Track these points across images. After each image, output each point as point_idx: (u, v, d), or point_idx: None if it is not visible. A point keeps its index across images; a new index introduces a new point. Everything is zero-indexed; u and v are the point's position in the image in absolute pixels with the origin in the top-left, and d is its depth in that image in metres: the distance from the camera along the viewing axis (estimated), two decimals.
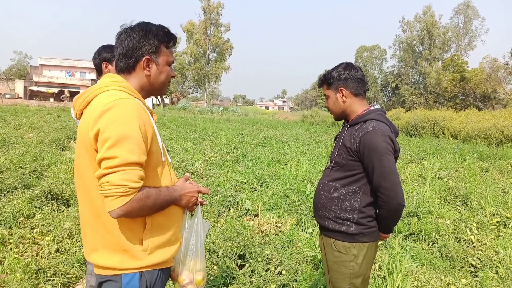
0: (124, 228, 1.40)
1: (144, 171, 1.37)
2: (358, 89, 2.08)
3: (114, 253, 1.41)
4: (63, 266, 3.37)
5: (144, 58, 1.49)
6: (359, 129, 2.00)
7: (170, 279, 1.65)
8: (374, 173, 1.92)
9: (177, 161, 8.13)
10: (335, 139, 2.29)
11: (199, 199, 1.64)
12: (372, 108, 2.10)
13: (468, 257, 4.00)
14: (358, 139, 1.96)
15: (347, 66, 2.10)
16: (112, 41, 2.89)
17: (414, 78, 58.28)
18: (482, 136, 15.29)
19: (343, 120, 2.24)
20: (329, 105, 2.16)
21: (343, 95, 2.08)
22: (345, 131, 2.12)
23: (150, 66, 1.51)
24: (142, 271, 1.43)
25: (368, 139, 1.92)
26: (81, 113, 1.49)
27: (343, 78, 2.06)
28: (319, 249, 3.86)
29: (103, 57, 2.72)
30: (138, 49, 1.48)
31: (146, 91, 1.55)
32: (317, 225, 4.66)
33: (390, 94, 63.57)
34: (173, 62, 1.59)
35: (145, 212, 1.37)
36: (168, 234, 1.50)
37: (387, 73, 63.74)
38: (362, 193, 2.02)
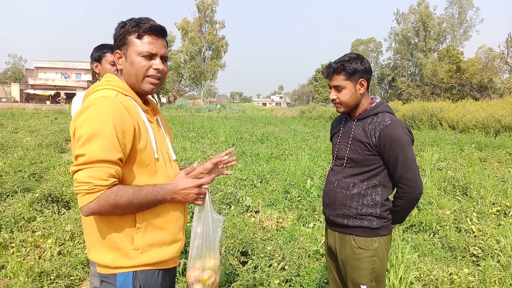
0: (114, 225, 1.40)
1: (124, 169, 1.37)
2: (370, 81, 2.06)
3: (107, 250, 1.41)
4: (66, 268, 3.37)
5: (115, 53, 1.49)
6: (373, 122, 1.97)
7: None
8: (398, 165, 1.92)
9: (177, 160, 8.11)
10: (333, 134, 2.24)
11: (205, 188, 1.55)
12: (377, 100, 2.08)
13: (470, 247, 4.02)
14: (377, 132, 1.93)
15: (363, 57, 2.02)
16: (107, 41, 2.89)
17: (410, 70, 58.45)
18: (480, 126, 15.32)
19: (341, 114, 2.21)
20: (343, 96, 2.01)
21: (362, 87, 2.01)
22: (353, 126, 2.05)
23: (120, 59, 1.49)
24: (135, 271, 1.42)
25: (389, 132, 1.91)
26: None
27: (365, 69, 1.99)
28: (323, 245, 3.87)
29: (93, 58, 2.73)
30: (114, 44, 1.50)
31: (132, 87, 1.50)
32: (320, 221, 4.69)
33: (387, 87, 63.73)
34: (152, 54, 1.46)
35: (120, 211, 1.34)
36: (163, 233, 1.48)
37: (383, 66, 63.93)
38: (382, 186, 2.01)
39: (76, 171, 1.30)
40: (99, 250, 1.43)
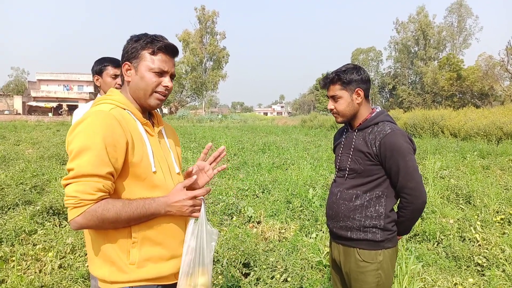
0: (110, 239, 1.40)
1: (119, 182, 1.38)
2: (368, 91, 2.05)
3: (104, 264, 1.41)
4: (67, 282, 3.34)
5: (124, 65, 1.50)
6: (373, 132, 1.96)
7: None
8: (399, 174, 1.90)
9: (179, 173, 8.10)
10: (336, 146, 2.23)
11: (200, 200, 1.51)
12: (378, 110, 2.07)
13: (474, 256, 3.98)
14: (377, 142, 1.92)
15: (360, 67, 2.03)
16: (109, 54, 2.90)
17: (410, 79, 58.55)
18: (482, 133, 15.28)
19: (344, 125, 2.21)
20: (340, 106, 2.02)
21: (359, 96, 2.00)
22: (354, 136, 2.05)
23: (129, 72, 1.50)
24: (131, 286, 1.41)
25: (389, 141, 1.89)
26: None
27: (361, 79, 1.99)
28: (327, 256, 3.84)
29: (94, 71, 2.73)
30: (122, 56, 1.51)
31: (136, 100, 1.52)
32: (322, 231, 4.65)
33: (388, 96, 63.85)
34: (162, 71, 1.48)
35: (109, 225, 1.34)
36: (160, 248, 1.46)
37: (384, 75, 64.12)
38: (386, 197, 1.98)
39: (66, 185, 1.31)
40: (97, 263, 1.43)
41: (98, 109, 1.40)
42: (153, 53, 1.47)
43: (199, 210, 1.50)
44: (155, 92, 1.50)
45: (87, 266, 3.58)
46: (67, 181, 1.31)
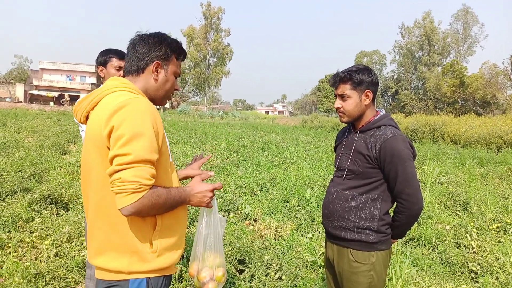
0: (134, 228, 1.39)
1: (155, 170, 1.38)
2: (376, 94, 2.05)
3: (122, 255, 1.39)
4: (62, 270, 3.35)
5: (154, 62, 1.52)
6: (375, 135, 1.96)
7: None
8: (398, 179, 1.90)
9: (176, 165, 8.12)
10: (337, 145, 2.24)
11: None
12: (381, 113, 2.07)
13: (469, 263, 3.99)
14: (378, 145, 1.92)
15: (370, 69, 2.02)
16: (113, 46, 2.91)
17: (413, 84, 58.55)
18: (482, 141, 15.29)
19: (346, 125, 2.21)
20: (348, 106, 2.01)
21: (367, 98, 2.00)
22: (355, 137, 2.05)
23: (159, 71, 1.54)
24: (149, 277, 1.42)
25: (390, 145, 1.89)
26: (86, 116, 1.50)
27: (372, 81, 1.99)
28: (322, 256, 3.85)
29: (98, 61, 2.74)
30: (150, 53, 1.53)
31: (149, 96, 1.55)
32: (319, 231, 4.66)
33: (390, 99, 63.83)
34: (179, 75, 1.63)
35: (155, 211, 1.36)
36: (175, 237, 1.51)
37: (387, 78, 64.07)
38: (381, 200, 1.98)
39: (119, 170, 1.28)
40: (110, 255, 1.40)
41: (134, 96, 1.40)
42: (178, 59, 1.60)
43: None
44: (171, 93, 1.63)
45: (83, 255, 3.60)
46: (123, 166, 1.28)
